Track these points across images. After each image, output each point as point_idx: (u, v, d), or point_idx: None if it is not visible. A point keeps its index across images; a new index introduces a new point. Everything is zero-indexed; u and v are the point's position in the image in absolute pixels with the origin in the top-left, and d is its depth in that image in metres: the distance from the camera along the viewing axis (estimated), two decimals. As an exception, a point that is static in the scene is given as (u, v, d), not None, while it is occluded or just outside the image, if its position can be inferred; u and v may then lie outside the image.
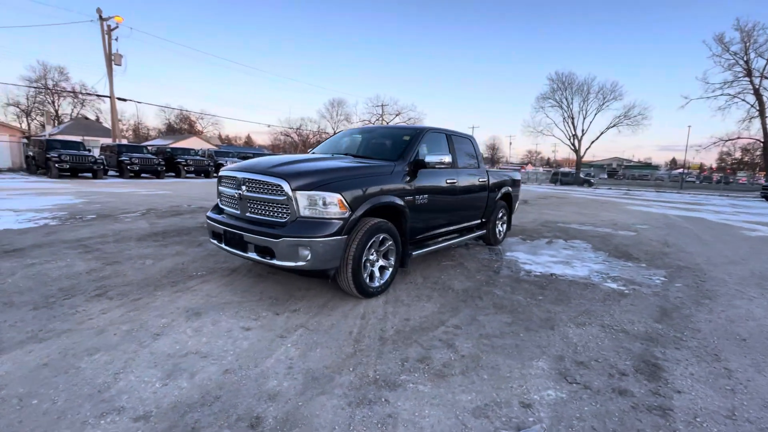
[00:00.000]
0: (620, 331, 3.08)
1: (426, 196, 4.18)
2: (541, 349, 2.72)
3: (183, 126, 69.94)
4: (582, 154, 45.65)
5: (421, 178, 4.15)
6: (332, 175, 3.30)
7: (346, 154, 4.52)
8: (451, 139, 4.99)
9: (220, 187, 3.89)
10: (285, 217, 3.20)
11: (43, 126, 39.88)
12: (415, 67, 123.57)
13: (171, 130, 65.52)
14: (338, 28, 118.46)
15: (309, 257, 3.07)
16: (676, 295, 4.02)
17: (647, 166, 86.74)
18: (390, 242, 3.72)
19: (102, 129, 44.12)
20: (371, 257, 3.60)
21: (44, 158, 17.40)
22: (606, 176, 57.64)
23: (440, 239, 4.77)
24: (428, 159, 4.06)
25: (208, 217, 3.84)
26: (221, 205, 3.92)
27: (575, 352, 2.69)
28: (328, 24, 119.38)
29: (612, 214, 11.55)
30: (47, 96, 48.74)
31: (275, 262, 3.14)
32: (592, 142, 59.89)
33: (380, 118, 52.69)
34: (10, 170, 21.37)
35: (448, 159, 4.10)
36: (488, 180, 5.67)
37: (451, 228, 4.95)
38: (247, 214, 3.50)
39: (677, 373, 2.47)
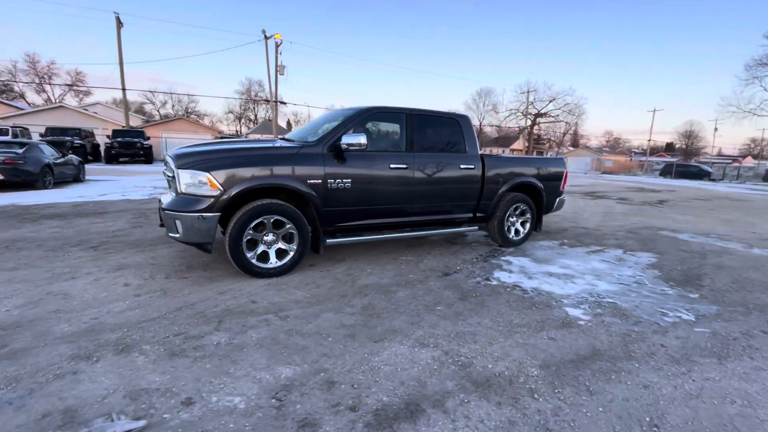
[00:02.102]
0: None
1: (348, 181, 3.89)
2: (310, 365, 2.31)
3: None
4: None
5: (347, 162, 3.89)
6: (211, 156, 3.47)
7: (299, 138, 4.56)
8: (413, 119, 4.41)
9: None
10: (175, 194, 3.58)
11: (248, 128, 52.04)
12: (574, 47, 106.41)
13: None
14: (484, 13, 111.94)
15: (181, 230, 3.36)
16: (664, 342, 2.63)
17: None
18: (289, 225, 3.66)
19: (283, 130, 54.46)
20: (267, 238, 3.64)
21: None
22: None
23: (387, 231, 4.34)
24: (343, 141, 3.76)
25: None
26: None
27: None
28: (472, 11, 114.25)
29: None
30: (250, 104, 62.95)
31: (167, 232, 3.56)
32: None
33: (527, 106, 48.15)
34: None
35: (363, 140, 3.71)
36: (483, 168, 4.77)
37: (407, 219, 4.42)
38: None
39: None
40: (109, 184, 10.79)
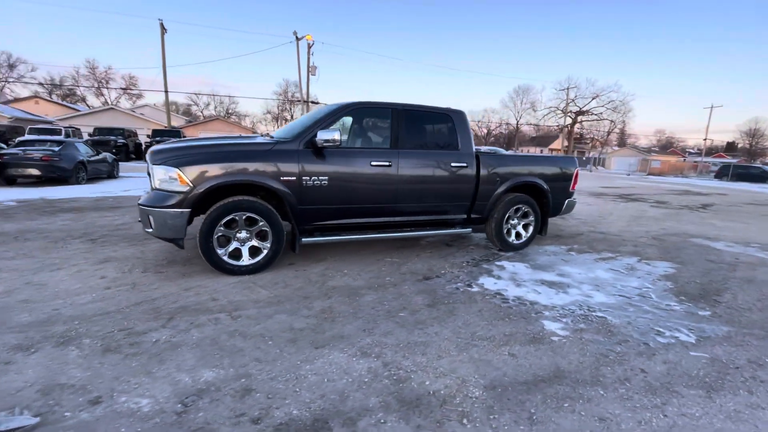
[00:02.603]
0: (402, 378, 2.09)
1: (325, 179, 3.77)
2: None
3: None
4: None
5: (325, 159, 3.77)
6: (183, 152, 3.47)
7: (284, 135, 4.49)
8: (400, 115, 4.20)
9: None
10: (150, 190, 3.62)
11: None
12: (620, 41, 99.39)
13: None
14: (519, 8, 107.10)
15: (154, 225, 3.39)
16: None
17: None
18: (262, 223, 3.61)
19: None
20: (240, 235, 3.61)
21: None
22: None
23: (370, 231, 4.18)
24: (318, 138, 3.64)
25: None
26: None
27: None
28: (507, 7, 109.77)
29: None
30: (287, 104, 64.74)
31: (143, 228, 3.61)
32: None
33: (567, 104, 45.89)
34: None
35: (336, 136, 3.58)
36: (477, 166, 4.48)
37: (392, 219, 4.23)
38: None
39: None
40: (138, 181, 11.40)
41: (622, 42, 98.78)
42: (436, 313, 2.96)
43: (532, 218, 5.01)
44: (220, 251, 3.52)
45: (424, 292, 3.39)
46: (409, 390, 2.00)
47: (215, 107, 60.60)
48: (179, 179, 3.34)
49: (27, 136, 12.36)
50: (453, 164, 4.36)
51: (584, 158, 44.39)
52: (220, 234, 3.50)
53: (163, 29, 26.00)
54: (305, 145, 3.73)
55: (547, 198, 5.04)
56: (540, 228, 5.17)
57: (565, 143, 49.25)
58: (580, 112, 47.62)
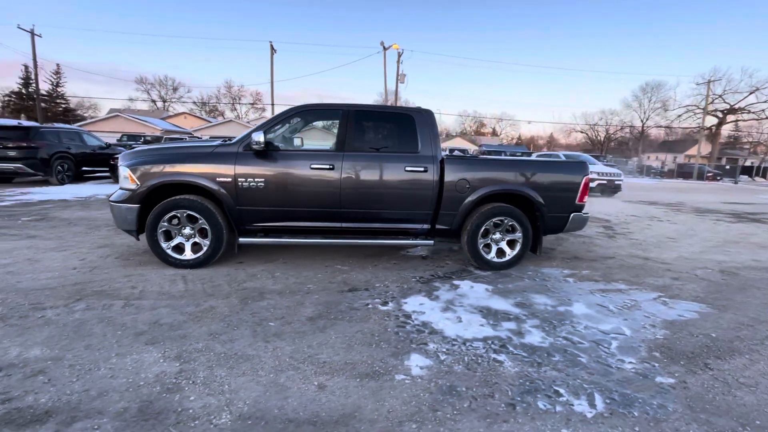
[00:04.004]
0: None
1: (261, 181, 3.81)
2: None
3: (472, 129, 77.93)
4: None
5: (264, 162, 3.83)
6: (139, 154, 3.89)
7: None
8: (351, 116, 3.99)
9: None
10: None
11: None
12: None
13: (464, 134, 73.86)
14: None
15: (114, 218, 3.90)
16: None
17: None
18: (201, 221, 3.83)
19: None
20: (185, 231, 3.90)
21: None
22: None
23: (320, 236, 4.05)
24: (251, 140, 3.70)
25: None
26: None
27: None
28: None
29: None
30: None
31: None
32: None
33: (709, 101, 37.51)
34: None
35: (261, 138, 3.61)
36: (441, 172, 4.00)
37: (339, 225, 4.04)
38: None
39: None
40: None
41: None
42: (306, 328, 2.74)
43: (519, 234, 4.24)
44: (164, 245, 3.85)
45: (326, 304, 3.16)
46: (164, 402, 1.89)
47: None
48: (129, 178, 3.77)
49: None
50: (408, 168, 3.97)
51: (729, 167, 35.68)
52: (163, 229, 3.83)
53: (273, 50, 29.63)
54: (244, 147, 3.84)
55: (540, 211, 4.21)
56: (533, 246, 4.35)
57: (709, 148, 40.41)
58: (732, 110, 38.43)
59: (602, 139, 57.78)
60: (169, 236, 3.89)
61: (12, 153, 9.37)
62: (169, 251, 3.87)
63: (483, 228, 4.17)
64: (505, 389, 2.11)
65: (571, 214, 4.33)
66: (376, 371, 2.23)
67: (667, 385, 2.21)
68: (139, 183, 3.75)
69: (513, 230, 4.27)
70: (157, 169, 3.77)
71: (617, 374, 2.31)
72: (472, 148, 38.68)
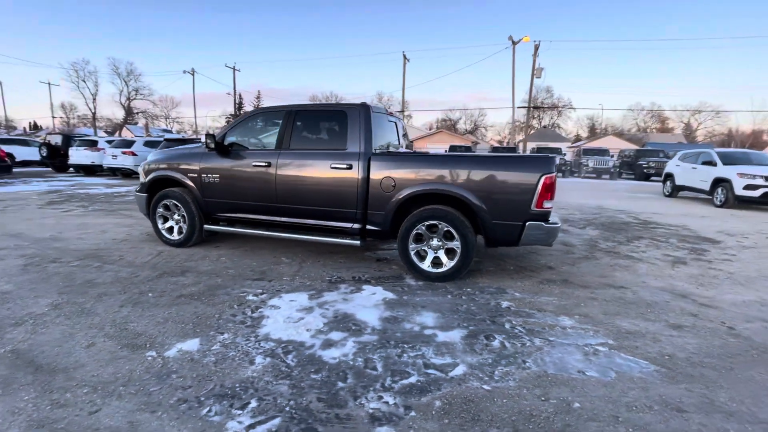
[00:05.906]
0: (26, 324, 2.71)
1: (216, 176, 4.43)
2: None
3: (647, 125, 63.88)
4: None
5: (222, 160, 4.44)
6: (152, 156, 5.01)
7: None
8: (293, 116, 4.19)
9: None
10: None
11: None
12: None
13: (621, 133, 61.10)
14: None
15: (137, 203, 5.17)
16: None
17: None
18: (182, 209, 4.71)
19: (555, 135, 50.40)
20: (176, 217, 4.86)
21: None
22: None
23: (268, 228, 4.39)
24: (209, 141, 4.33)
25: None
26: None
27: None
28: None
29: None
30: (533, 112, 61.65)
31: (144, 206, 5.45)
32: None
33: None
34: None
35: (208, 140, 4.17)
36: (367, 169, 3.82)
37: (277, 220, 4.30)
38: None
39: None
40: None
41: None
42: (164, 301, 3.15)
43: (457, 242, 3.65)
44: (160, 226, 4.90)
45: (215, 287, 3.51)
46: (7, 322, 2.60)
47: (465, 120, 65.29)
48: (143, 173, 4.95)
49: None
50: (333, 165, 3.94)
51: None
52: (159, 214, 4.86)
53: (405, 59, 31.17)
54: (207, 147, 4.53)
55: (480, 216, 3.53)
56: (470, 257, 3.66)
57: None
58: None
59: None
60: (166, 220, 4.92)
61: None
62: (163, 231, 4.89)
63: (414, 232, 3.77)
64: (213, 386, 2.05)
65: (525, 222, 3.45)
66: (140, 345, 2.47)
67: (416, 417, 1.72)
68: (146, 177, 4.89)
69: (451, 237, 3.69)
70: (155, 166, 4.84)
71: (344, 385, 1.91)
72: (614, 149, 31.23)
